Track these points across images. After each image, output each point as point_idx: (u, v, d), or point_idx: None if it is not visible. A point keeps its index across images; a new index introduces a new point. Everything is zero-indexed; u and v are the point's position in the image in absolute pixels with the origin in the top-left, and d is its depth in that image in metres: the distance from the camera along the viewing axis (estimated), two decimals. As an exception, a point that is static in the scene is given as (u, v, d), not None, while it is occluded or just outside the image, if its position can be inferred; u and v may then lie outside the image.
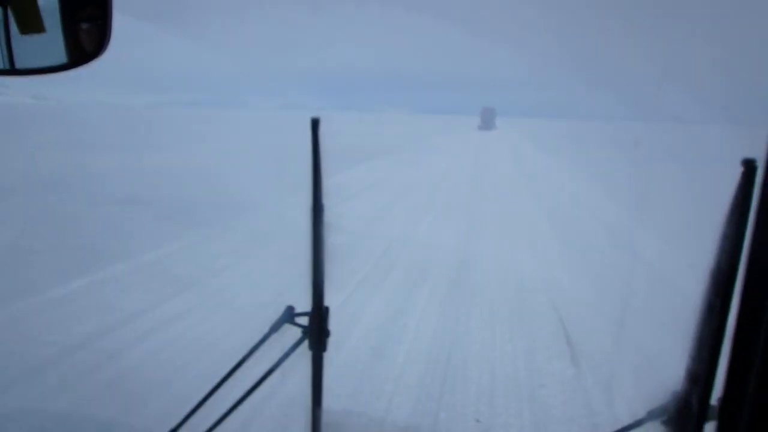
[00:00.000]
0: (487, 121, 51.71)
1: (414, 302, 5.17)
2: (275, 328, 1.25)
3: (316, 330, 1.21)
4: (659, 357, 3.77)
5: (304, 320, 1.21)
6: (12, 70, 0.88)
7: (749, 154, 0.62)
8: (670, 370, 0.76)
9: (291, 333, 1.25)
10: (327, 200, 1.17)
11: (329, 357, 1.28)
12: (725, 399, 0.64)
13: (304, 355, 1.25)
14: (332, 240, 1.21)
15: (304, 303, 1.24)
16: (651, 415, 0.84)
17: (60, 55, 0.88)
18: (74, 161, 14.85)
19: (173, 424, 1.28)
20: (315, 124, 1.09)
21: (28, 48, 0.88)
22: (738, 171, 0.63)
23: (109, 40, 0.85)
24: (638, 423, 0.89)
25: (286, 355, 1.26)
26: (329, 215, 1.17)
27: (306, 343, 1.22)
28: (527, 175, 16.74)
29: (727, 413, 0.64)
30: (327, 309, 1.21)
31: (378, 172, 15.52)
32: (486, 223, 9.15)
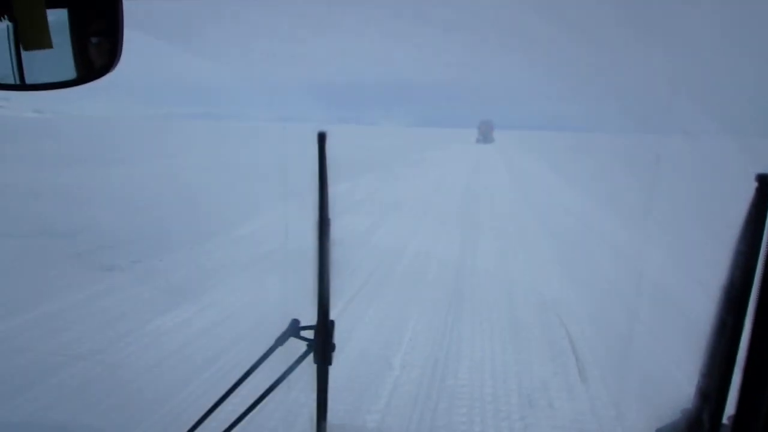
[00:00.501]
0: (485, 134, 51.87)
1: (408, 315, 5.16)
2: (281, 341, 1.24)
3: (321, 344, 1.21)
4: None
5: (309, 334, 1.21)
6: (23, 86, 0.88)
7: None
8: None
9: (296, 346, 1.25)
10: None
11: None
12: (737, 417, 0.63)
13: (309, 368, 1.25)
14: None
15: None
16: None
17: (70, 71, 0.88)
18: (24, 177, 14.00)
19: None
20: (321, 138, 1.09)
21: (38, 63, 0.88)
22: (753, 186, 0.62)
23: (119, 56, 0.85)
24: None
25: (291, 369, 1.26)
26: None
27: (311, 356, 1.21)
28: (530, 189, 16.73)
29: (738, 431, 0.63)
30: (332, 323, 1.20)
31: (377, 184, 15.52)
32: (487, 237, 9.11)
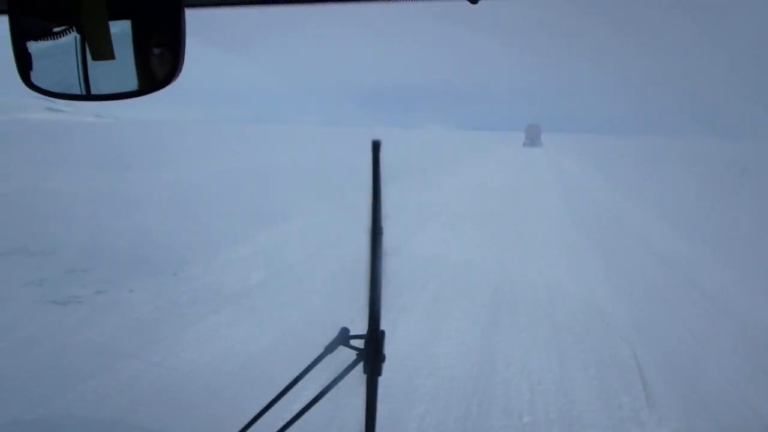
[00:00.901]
0: (533, 138, 51.38)
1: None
2: (330, 349, 1.23)
3: (372, 354, 1.19)
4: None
5: (359, 343, 1.19)
6: (88, 96, 0.90)
7: None
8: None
9: (346, 355, 1.23)
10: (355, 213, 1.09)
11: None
12: None
13: (358, 378, 1.23)
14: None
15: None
16: None
17: (132, 81, 0.90)
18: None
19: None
20: (376, 146, 1.07)
21: (103, 74, 0.90)
22: None
23: (181, 67, 0.85)
24: None
25: (340, 377, 1.24)
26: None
27: (361, 366, 1.20)
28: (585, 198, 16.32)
29: None
30: (383, 333, 1.18)
31: (423, 190, 15.46)
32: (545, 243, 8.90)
